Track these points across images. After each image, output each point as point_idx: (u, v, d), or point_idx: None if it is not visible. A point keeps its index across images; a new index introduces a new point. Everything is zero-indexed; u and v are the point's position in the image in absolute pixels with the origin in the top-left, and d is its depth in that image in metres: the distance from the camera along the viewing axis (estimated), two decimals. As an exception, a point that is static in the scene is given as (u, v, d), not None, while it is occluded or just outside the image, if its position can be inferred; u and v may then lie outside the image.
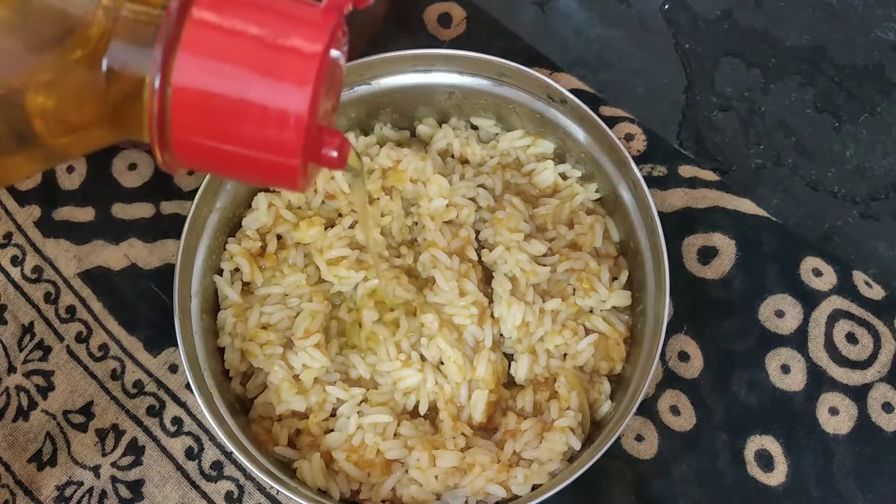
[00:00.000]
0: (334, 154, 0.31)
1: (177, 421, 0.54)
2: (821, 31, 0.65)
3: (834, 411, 0.53)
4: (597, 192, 0.55)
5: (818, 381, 0.54)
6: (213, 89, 0.28)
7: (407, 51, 0.53)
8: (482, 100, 0.55)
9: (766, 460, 0.52)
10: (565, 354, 0.51)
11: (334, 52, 0.30)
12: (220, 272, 0.53)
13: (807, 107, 0.63)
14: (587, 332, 0.51)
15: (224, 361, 0.52)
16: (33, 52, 0.29)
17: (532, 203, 0.55)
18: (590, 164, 0.54)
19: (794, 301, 0.55)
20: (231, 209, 0.53)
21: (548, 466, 0.47)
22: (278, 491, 0.50)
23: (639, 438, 0.53)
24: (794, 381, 0.54)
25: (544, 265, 0.52)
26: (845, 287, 0.55)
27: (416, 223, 0.54)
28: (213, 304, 0.53)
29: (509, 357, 0.52)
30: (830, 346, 0.54)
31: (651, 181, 0.58)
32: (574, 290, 0.52)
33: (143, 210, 0.58)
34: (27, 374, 0.55)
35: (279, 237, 0.54)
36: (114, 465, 0.53)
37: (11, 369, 0.55)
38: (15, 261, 0.58)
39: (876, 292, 0.55)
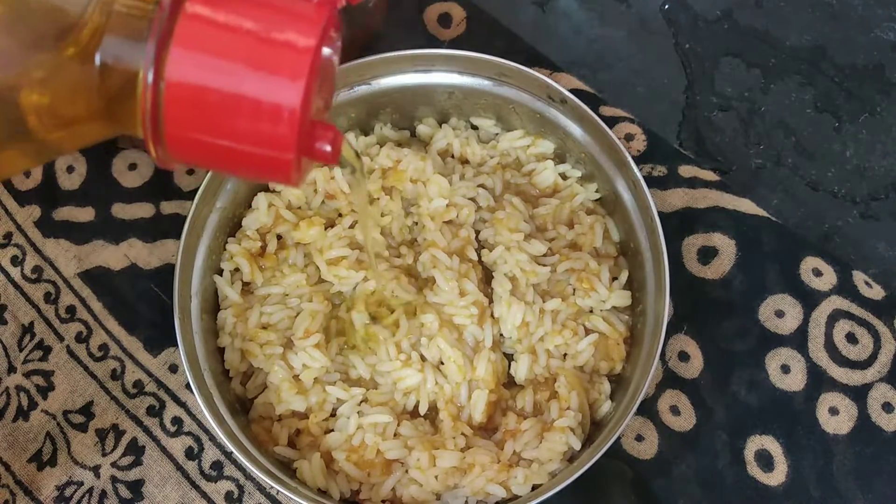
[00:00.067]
0: (328, 148, 0.31)
1: (177, 421, 0.54)
2: (821, 31, 0.65)
3: (834, 411, 0.53)
4: (597, 192, 0.55)
5: (818, 381, 0.54)
6: (206, 84, 0.28)
7: (407, 51, 0.53)
8: (482, 100, 0.55)
9: (766, 460, 0.52)
10: (565, 354, 0.51)
11: (326, 50, 0.30)
12: (220, 272, 0.53)
13: (807, 107, 0.63)
14: (587, 332, 0.51)
15: (224, 361, 0.52)
16: (29, 49, 0.28)
17: (532, 203, 0.55)
18: (590, 164, 0.54)
19: (794, 301, 0.55)
20: (231, 209, 0.53)
21: (548, 466, 0.47)
22: (278, 491, 0.50)
23: (639, 438, 0.53)
24: (794, 381, 0.54)
25: (544, 265, 0.52)
26: (845, 287, 0.55)
27: (416, 223, 0.54)
28: (213, 304, 0.53)
29: (509, 357, 0.52)
30: (830, 346, 0.54)
31: (651, 181, 0.58)
32: (574, 290, 0.52)
33: (143, 210, 0.58)
34: (27, 374, 0.55)
35: (279, 237, 0.54)
36: (114, 465, 0.53)
37: (11, 369, 0.55)
38: (15, 261, 0.58)
39: (876, 292, 0.55)
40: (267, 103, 0.28)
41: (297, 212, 0.54)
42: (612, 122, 0.59)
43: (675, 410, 0.53)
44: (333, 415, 0.50)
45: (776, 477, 0.52)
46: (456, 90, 0.55)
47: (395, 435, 0.49)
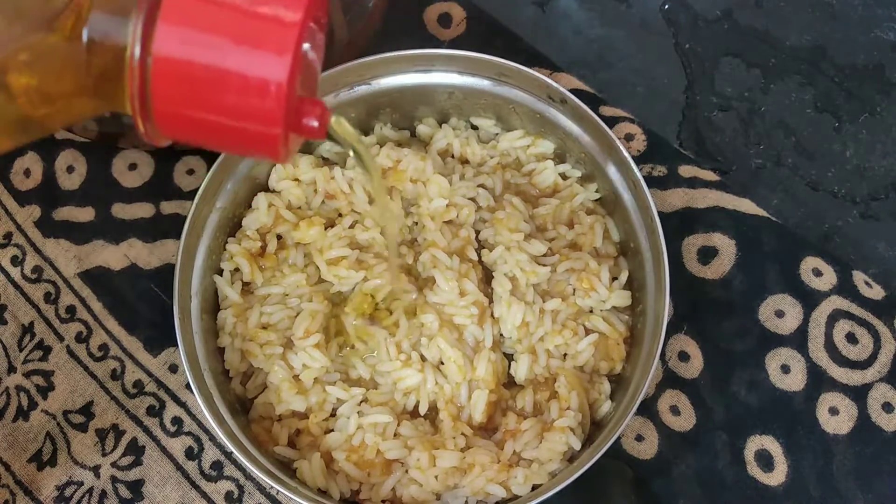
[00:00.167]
0: (315, 123, 0.32)
1: (177, 421, 0.54)
2: (821, 31, 0.65)
3: (834, 411, 0.53)
4: (597, 192, 0.55)
5: (818, 381, 0.54)
6: (193, 59, 0.28)
7: (407, 51, 0.53)
8: (482, 100, 0.55)
9: (766, 460, 0.52)
10: (565, 354, 0.51)
11: (305, 46, 0.30)
12: (220, 272, 0.53)
13: (807, 107, 0.63)
14: (587, 332, 0.51)
15: (224, 361, 0.52)
16: (15, 29, 0.29)
17: (532, 203, 0.55)
18: (590, 164, 0.54)
19: (794, 301, 0.55)
20: (231, 209, 0.53)
21: (548, 466, 0.47)
22: (278, 491, 0.50)
23: (639, 438, 0.53)
24: (794, 381, 0.54)
25: (544, 265, 0.52)
26: (845, 287, 0.55)
27: (416, 223, 0.54)
28: (213, 304, 0.53)
29: (509, 357, 0.52)
30: (830, 346, 0.54)
31: (651, 181, 0.58)
32: (574, 290, 0.52)
33: (143, 210, 0.58)
34: (27, 374, 0.55)
35: (279, 237, 0.54)
36: (114, 465, 0.53)
37: (11, 369, 0.55)
38: (15, 261, 0.58)
39: (876, 292, 0.55)
40: (254, 78, 0.28)
41: (297, 212, 0.54)
42: (612, 122, 0.59)
43: (675, 410, 0.53)
44: (333, 415, 0.50)
45: (776, 477, 0.52)
46: (456, 90, 0.55)
47: (395, 435, 0.49)
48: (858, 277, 0.56)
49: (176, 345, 0.48)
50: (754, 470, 0.52)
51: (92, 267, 0.57)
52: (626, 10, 0.66)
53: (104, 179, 0.59)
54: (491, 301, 0.52)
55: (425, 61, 0.53)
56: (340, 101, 0.54)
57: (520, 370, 0.51)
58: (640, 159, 0.59)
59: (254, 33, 0.28)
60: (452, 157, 0.56)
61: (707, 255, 0.56)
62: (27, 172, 0.59)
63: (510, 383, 0.52)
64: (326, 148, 0.56)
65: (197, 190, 0.50)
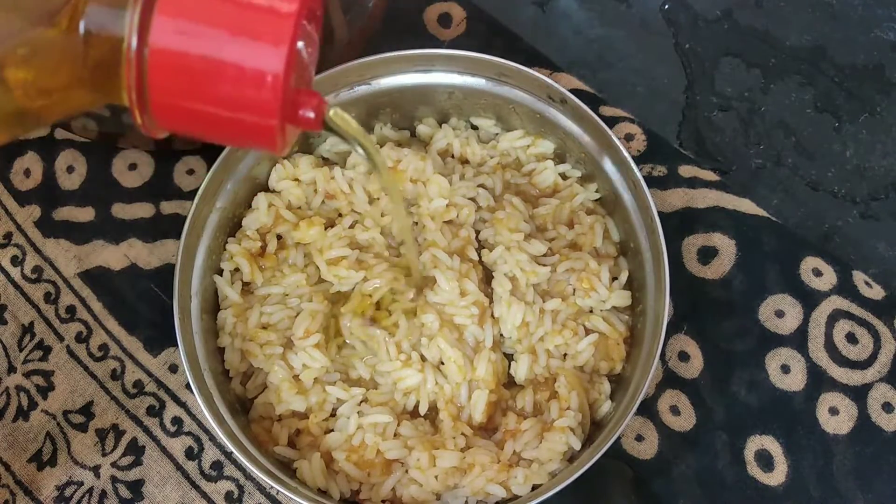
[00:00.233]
0: (311, 115, 0.32)
1: (177, 421, 0.54)
2: (821, 31, 0.65)
3: (834, 411, 0.53)
4: (597, 192, 0.55)
5: (818, 381, 0.54)
6: (190, 50, 0.28)
7: (407, 51, 0.53)
8: (482, 100, 0.55)
9: (766, 460, 0.52)
10: (565, 354, 0.51)
11: (300, 43, 0.30)
12: (220, 272, 0.53)
13: (807, 107, 0.63)
14: (587, 332, 0.51)
15: (224, 361, 0.52)
16: (13, 23, 0.29)
17: (532, 203, 0.55)
18: (590, 164, 0.54)
19: (794, 301, 0.55)
20: (231, 209, 0.53)
21: (548, 466, 0.47)
22: (278, 491, 0.50)
23: (639, 438, 0.53)
24: (794, 381, 0.54)
25: (544, 265, 0.52)
26: (845, 287, 0.55)
27: (417, 223, 0.54)
28: (213, 304, 0.53)
29: (509, 357, 0.52)
30: (830, 346, 0.54)
31: (651, 181, 0.58)
32: (574, 290, 0.52)
33: (143, 210, 0.58)
34: (27, 374, 0.55)
35: (279, 237, 0.54)
36: (114, 465, 0.53)
37: (11, 369, 0.55)
38: (15, 261, 0.58)
39: (876, 292, 0.55)
40: (250, 69, 0.28)
41: (297, 212, 0.54)
42: (612, 122, 0.59)
43: (675, 410, 0.53)
44: (333, 415, 0.50)
45: (776, 477, 0.52)
46: (456, 90, 0.55)
47: (395, 435, 0.49)
48: (858, 277, 0.56)
49: (176, 345, 0.48)
50: (754, 470, 0.52)
51: (92, 267, 0.57)
52: (626, 10, 0.66)
53: (104, 179, 0.59)
54: (491, 301, 0.52)
55: (425, 61, 0.53)
56: (340, 101, 0.54)
57: (520, 370, 0.51)
58: (640, 159, 0.59)
59: (250, 24, 0.28)
60: (452, 157, 0.56)
61: (707, 255, 0.56)
62: (27, 172, 0.59)
63: (510, 383, 0.52)
64: (326, 148, 0.56)
65: (197, 190, 0.50)
